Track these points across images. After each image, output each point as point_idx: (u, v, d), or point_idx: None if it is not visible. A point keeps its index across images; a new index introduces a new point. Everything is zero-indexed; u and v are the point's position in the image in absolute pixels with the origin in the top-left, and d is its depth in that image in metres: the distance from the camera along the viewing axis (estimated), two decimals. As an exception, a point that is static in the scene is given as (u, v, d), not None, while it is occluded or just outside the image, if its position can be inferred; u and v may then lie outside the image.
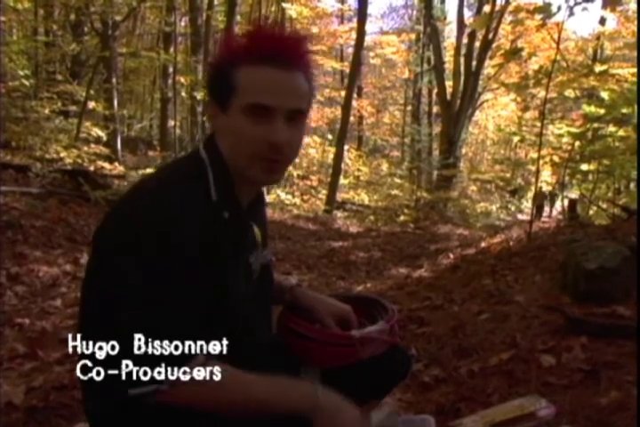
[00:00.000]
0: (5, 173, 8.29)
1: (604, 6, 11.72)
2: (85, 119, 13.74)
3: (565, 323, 3.03)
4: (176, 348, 1.18)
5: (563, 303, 3.49)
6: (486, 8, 16.62)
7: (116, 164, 12.34)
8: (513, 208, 19.19)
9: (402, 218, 15.76)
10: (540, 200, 17.01)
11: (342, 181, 16.65)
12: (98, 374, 1.26)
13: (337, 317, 1.59)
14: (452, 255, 7.02)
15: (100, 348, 1.24)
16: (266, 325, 1.51)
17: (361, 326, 1.57)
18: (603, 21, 15.87)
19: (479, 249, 6.91)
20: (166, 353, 1.18)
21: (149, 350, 1.18)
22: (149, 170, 11.46)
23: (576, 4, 5.52)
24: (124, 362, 1.19)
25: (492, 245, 6.84)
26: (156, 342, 1.17)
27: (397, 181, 20.50)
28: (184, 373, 1.18)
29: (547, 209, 17.56)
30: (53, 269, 5.22)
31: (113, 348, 1.21)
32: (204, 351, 1.21)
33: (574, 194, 9.39)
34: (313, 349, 1.49)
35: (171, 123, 15.82)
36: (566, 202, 8.65)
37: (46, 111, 12.22)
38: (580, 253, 3.71)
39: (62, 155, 11.04)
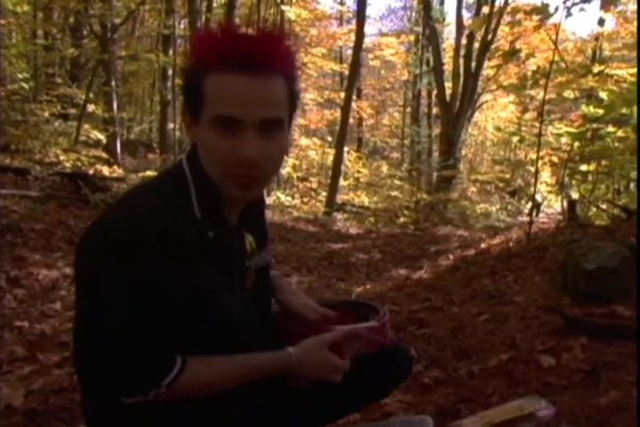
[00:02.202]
0: (5, 176, 8.30)
1: (603, 7, 11.74)
2: (85, 122, 13.75)
3: (565, 323, 3.03)
4: (157, 363, 1.22)
5: (562, 304, 3.49)
6: (485, 9, 16.62)
7: (116, 166, 12.34)
8: (513, 209, 19.17)
9: (402, 219, 15.75)
10: (536, 201, 17.01)
11: (342, 182, 16.64)
12: (92, 381, 1.28)
13: (315, 312, 1.60)
14: (451, 256, 7.02)
15: (88, 356, 1.26)
16: (266, 327, 1.51)
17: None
18: (601, 22, 15.86)
19: (479, 250, 6.90)
20: (148, 368, 1.21)
21: (131, 366, 1.21)
22: (149, 173, 11.47)
23: (573, 4, 5.53)
24: (111, 373, 1.22)
25: (491, 246, 6.84)
26: (138, 359, 1.20)
27: (397, 182, 20.50)
28: (166, 385, 1.22)
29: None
30: (53, 273, 5.22)
31: (100, 357, 1.22)
32: (179, 358, 1.24)
33: (573, 194, 9.38)
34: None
35: (170, 125, 15.84)
36: (565, 202, 8.65)
37: (45, 114, 12.25)
38: (580, 253, 3.71)
39: (62, 158, 11.05)
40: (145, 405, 1.22)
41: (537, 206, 16.89)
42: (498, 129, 22.15)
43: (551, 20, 6.33)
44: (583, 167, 8.13)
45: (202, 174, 1.27)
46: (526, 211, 16.72)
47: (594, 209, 8.89)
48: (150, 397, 1.21)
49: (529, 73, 7.28)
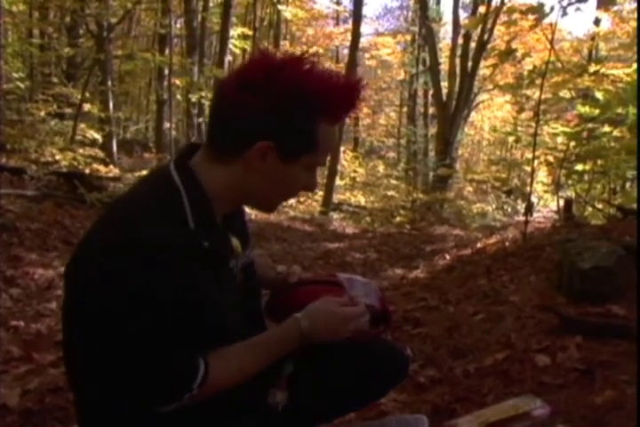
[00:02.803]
0: (0, 175, 8.28)
1: (599, 7, 11.76)
2: (81, 122, 13.70)
3: (560, 323, 3.03)
4: (185, 369, 1.23)
5: (558, 303, 3.50)
6: (481, 9, 16.64)
7: (112, 166, 12.31)
8: (509, 209, 19.20)
9: (398, 219, 15.76)
10: (531, 200, 17.03)
11: (338, 182, 16.64)
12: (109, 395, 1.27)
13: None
14: (447, 256, 7.02)
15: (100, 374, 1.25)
16: (257, 323, 1.51)
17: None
18: (597, 22, 15.86)
19: (475, 250, 6.91)
20: (180, 376, 1.23)
21: (163, 378, 1.22)
22: (145, 172, 11.43)
23: (569, 4, 5.54)
24: (143, 387, 1.22)
25: (487, 246, 6.84)
26: (168, 370, 1.22)
27: (393, 182, 20.50)
28: (197, 386, 1.23)
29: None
30: (49, 272, 5.21)
31: (125, 373, 1.22)
32: (200, 357, 1.25)
33: (569, 193, 9.39)
34: (301, 295, 1.51)
35: (166, 125, 15.78)
36: (561, 202, 8.66)
37: (42, 114, 12.20)
38: (575, 252, 3.72)
39: (58, 157, 11.00)
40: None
41: (530, 206, 16.93)
42: (494, 129, 22.19)
43: (547, 20, 6.34)
44: (579, 167, 8.14)
45: (196, 185, 1.28)
46: (522, 210, 16.74)
47: (590, 209, 8.90)
48: (185, 400, 1.22)
49: (525, 73, 7.29)
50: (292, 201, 15.40)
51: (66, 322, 1.31)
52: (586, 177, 8.73)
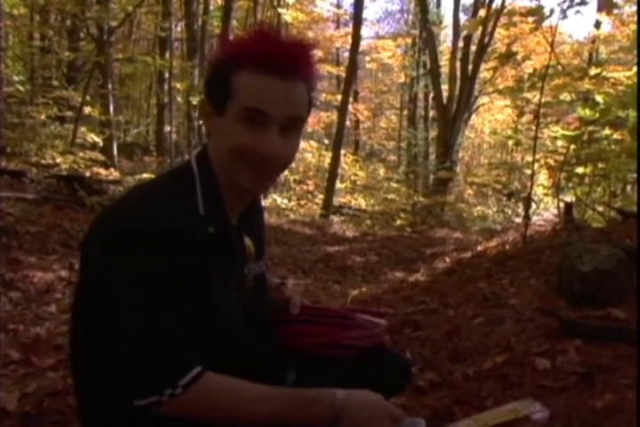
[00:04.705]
0: (1, 178, 8.28)
1: (600, 10, 11.77)
2: (81, 125, 13.72)
3: (560, 326, 3.02)
4: (173, 360, 1.19)
5: (558, 306, 3.49)
6: (482, 12, 16.65)
7: (112, 169, 12.32)
8: (510, 212, 19.20)
9: (398, 222, 15.75)
10: (529, 204, 17.03)
11: (339, 185, 16.64)
12: (97, 383, 1.26)
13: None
14: (447, 259, 7.01)
15: (97, 358, 1.25)
16: (264, 336, 1.50)
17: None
18: (598, 25, 15.88)
19: (475, 253, 6.90)
20: (165, 365, 1.19)
21: (146, 363, 1.18)
22: (145, 175, 11.45)
23: (569, 6, 5.54)
24: (125, 373, 1.20)
25: (487, 249, 6.83)
26: (154, 356, 1.18)
27: (394, 185, 20.50)
28: (183, 386, 1.18)
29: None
30: (48, 275, 5.21)
31: (112, 359, 1.21)
32: (198, 364, 1.21)
33: (570, 197, 9.38)
34: (305, 330, 1.49)
35: (167, 128, 15.79)
36: (561, 205, 8.66)
37: (42, 117, 12.24)
38: (575, 255, 3.71)
39: (58, 160, 11.02)
40: (149, 413, 1.20)
41: (526, 207, 16.93)
42: (494, 133, 22.19)
43: (547, 23, 6.34)
44: (579, 170, 8.13)
45: (210, 173, 1.32)
46: (522, 213, 16.74)
47: (590, 211, 8.89)
48: (165, 397, 1.17)
49: (525, 76, 7.29)
50: (292, 204, 15.42)
51: (74, 316, 1.33)
52: (586, 180, 8.72)
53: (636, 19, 11.57)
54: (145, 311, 1.17)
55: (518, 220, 15.47)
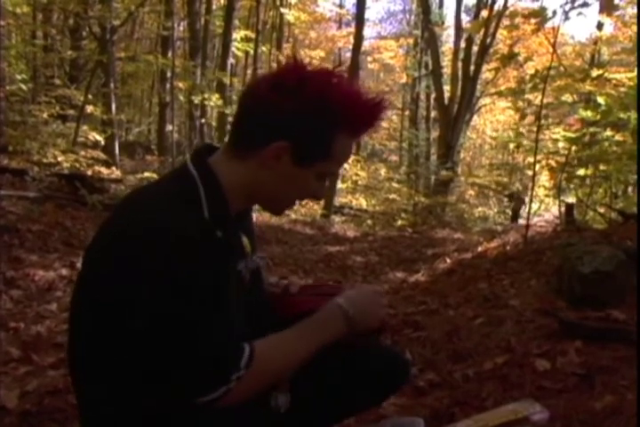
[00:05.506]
0: (2, 177, 8.29)
1: (602, 11, 11.77)
2: (83, 123, 13.72)
3: (560, 327, 3.02)
4: (229, 347, 1.22)
5: (558, 307, 3.49)
6: (484, 13, 16.65)
7: (114, 168, 12.33)
8: (510, 213, 19.22)
9: (399, 222, 15.76)
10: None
11: (340, 185, 16.65)
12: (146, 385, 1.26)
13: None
14: (448, 260, 7.02)
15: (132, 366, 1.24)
16: (261, 331, 1.51)
17: None
18: (600, 26, 15.87)
19: (476, 253, 6.91)
20: (224, 352, 1.21)
21: (204, 359, 1.20)
22: (147, 174, 11.46)
23: (572, 8, 5.55)
24: (184, 374, 1.21)
25: (488, 250, 6.84)
26: (209, 349, 1.20)
27: (395, 185, 20.50)
28: (244, 366, 1.21)
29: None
30: (49, 274, 5.21)
31: (131, 359, 1.22)
32: (245, 344, 1.24)
33: (571, 198, 9.39)
34: (307, 301, 1.52)
35: (168, 127, 15.81)
36: (562, 206, 8.66)
37: (44, 115, 12.22)
38: (575, 257, 3.71)
39: (60, 159, 11.01)
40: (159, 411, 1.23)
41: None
42: (495, 137, 22.21)
43: (549, 24, 6.35)
44: (581, 171, 8.14)
45: (212, 178, 1.31)
46: (523, 214, 16.77)
47: (591, 213, 8.90)
48: (232, 384, 1.19)
49: (527, 77, 7.29)
50: (293, 204, 15.41)
51: (76, 317, 1.31)
52: (587, 181, 8.74)
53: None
54: (183, 310, 1.17)
55: (521, 220, 15.50)
